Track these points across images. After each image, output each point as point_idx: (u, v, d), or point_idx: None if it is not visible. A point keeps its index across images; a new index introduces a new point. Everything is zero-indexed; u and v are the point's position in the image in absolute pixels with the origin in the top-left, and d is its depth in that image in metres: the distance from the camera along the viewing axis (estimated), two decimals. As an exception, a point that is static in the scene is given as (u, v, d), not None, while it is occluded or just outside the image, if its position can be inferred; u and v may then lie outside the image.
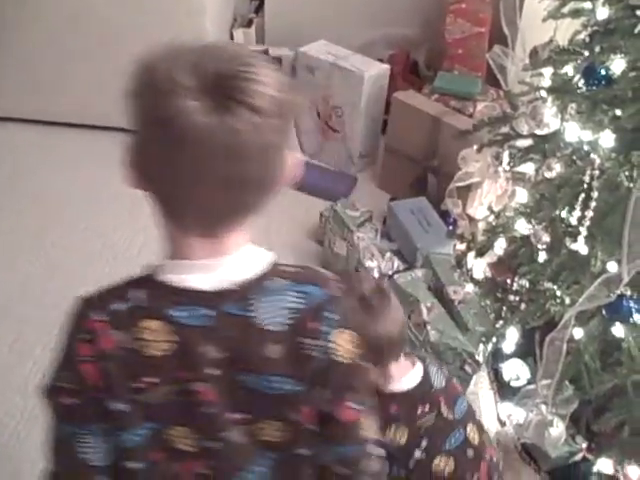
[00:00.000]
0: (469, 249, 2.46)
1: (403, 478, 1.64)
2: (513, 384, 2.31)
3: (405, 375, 1.66)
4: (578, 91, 1.89)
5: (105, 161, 2.27)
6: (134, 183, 0.96)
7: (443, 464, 1.64)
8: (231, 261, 1.00)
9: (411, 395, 1.65)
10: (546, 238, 1.97)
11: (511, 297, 2.19)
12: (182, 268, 0.98)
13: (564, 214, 1.96)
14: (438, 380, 1.70)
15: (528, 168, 2.25)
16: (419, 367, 1.69)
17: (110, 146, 2.30)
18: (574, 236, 1.91)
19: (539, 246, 2.00)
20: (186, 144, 0.89)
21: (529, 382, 2.23)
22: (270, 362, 0.99)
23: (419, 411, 1.63)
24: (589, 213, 1.87)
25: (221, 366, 0.99)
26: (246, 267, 1.00)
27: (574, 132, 1.90)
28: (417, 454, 1.62)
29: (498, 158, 2.26)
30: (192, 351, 0.97)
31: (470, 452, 1.70)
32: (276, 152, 0.96)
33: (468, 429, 1.71)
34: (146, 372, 0.98)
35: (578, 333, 1.93)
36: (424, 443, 1.62)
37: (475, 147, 2.43)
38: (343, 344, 1.03)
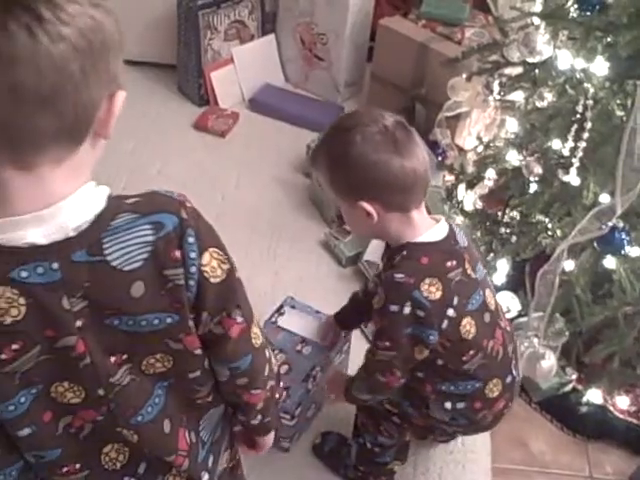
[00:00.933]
0: (458, 180, 2.43)
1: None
2: (504, 316, 2.31)
3: (431, 228, 1.54)
4: (571, 17, 1.83)
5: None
6: None
7: (469, 326, 1.55)
8: (66, 206, 0.91)
9: (439, 247, 1.53)
10: (538, 170, 1.94)
11: (502, 229, 2.17)
12: (12, 226, 0.89)
13: (556, 145, 1.93)
14: (462, 239, 1.59)
15: (518, 97, 2.20)
16: (444, 222, 1.57)
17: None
18: (566, 167, 1.88)
19: (531, 178, 1.97)
20: None
21: (519, 314, 2.22)
22: (139, 301, 0.94)
23: (448, 264, 1.52)
24: (582, 144, 1.83)
25: (85, 316, 0.94)
26: (85, 209, 0.92)
27: (567, 60, 1.85)
28: (450, 312, 1.51)
29: (488, 87, 2.20)
30: (48, 309, 0.91)
31: (487, 316, 1.60)
32: (77, 77, 0.85)
33: (486, 293, 1.61)
34: (7, 341, 0.92)
35: (569, 265, 1.92)
36: (456, 300, 1.52)
37: (464, 75, 2.37)
38: (211, 264, 0.99)
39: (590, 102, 1.79)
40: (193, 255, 0.96)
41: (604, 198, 1.82)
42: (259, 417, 1.21)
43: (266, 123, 3.23)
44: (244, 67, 3.32)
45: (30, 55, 0.81)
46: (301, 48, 3.35)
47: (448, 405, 1.64)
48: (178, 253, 0.95)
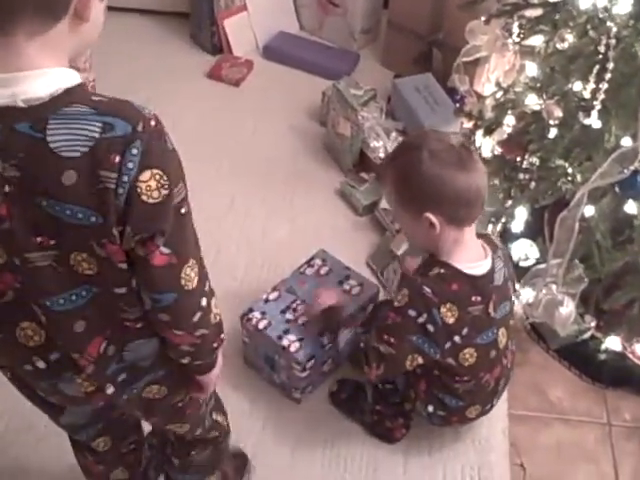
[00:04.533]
0: (477, 127, 2.38)
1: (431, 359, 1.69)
2: (522, 264, 2.28)
3: (476, 261, 1.68)
4: (594, -47, 1.77)
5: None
6: None
7: (469, 355, 1.69)
8: (28, 78, 0.94)
9: (473, 282, 1.66)
10: (558, 113, 1.89)
11: (521, 175, 2.13)
12: None
13: (577, 87, 1.87)
14: (498, 277, 1.72)
15: (537, 40, 2.14)
16: (489, 260, 1.70)
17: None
18: (587, 110, 1.83)
19: (551, 122, 1.92)
20: None
21: (538, 262, 2.19)
22: (67, 190, 0.95)
23: (473, 298, 1.66)
24: (604, 85, 1.78)
25: (14, 185, 0.96)
26: (45, 87, 0.94)
27: (589, -1, 1.80)
28: (456, 339, 1.66)
29: (507, 30, 2.14)
30: None
31: (493, 353, 1.74)
32: None
33: (500, 332, 1.75)
34: None
35: (589, 211, 1.89)
36: (465, 331, 1.66)
37: (483, 18, 2.31)
38: (148, 182, 0.98)
39: (613, 42, 1.73)
40: (131, 166, 0.96)
41: (626, 141, 1.78)
42: (187, 358, 1.22)
43: (281, 71, 3.18)
44: (258, 14, 3.27)
45: None
46: (316, -6, 3.29)
47: (430, 409, 1.81)
48: (117, 159, 0.95)
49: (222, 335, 1.23)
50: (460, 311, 1.64)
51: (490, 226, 2.26)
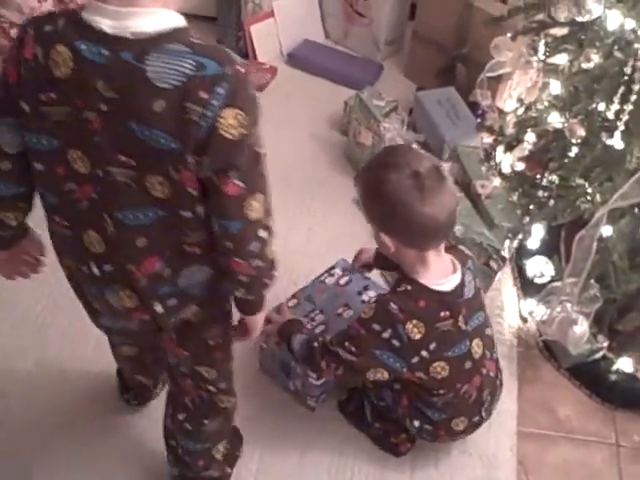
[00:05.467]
0: (497, 142, 2.39)
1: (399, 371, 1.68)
2: (536, 281, 2.29)
3: (444, 277, 1.66)
4: (623, -25, 1.78)
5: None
6: None
7: (440, 369, 1.67)
8: (141, 15, 1.08)
9: (441, 298, 1.65)
10: (581, 132, 1.89)
11: (540, 193, 2.14)
12: (96, 10, 1.09)
13: (601, 107, 1.88)
14: (468, 290, 1.70)
15: (561, 59, 2.15)
16: (459, 274, 1.68)
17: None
18: (610, 131, 1.84)
19: (573, 140, 1.93)
20: None
21: (552, 279, 2.20)
22: (156, 116, 1.08)
23: (441, 314, 1.65)
24: (628, 107, 1.79)
25: (110, 104, 1.10)
26: (153, 25, 1.08)
27: (616, 20, 1.80)
28: (423, 353, 1.64)
29: (533, 47, 2.15)
30: (85, 81, 1.09)
31: (468, 364, 1.72)
32: None
33: (474, 343, 1.73)
34: (49, 88, 1.12)
35: (607, 231, 1.89)
36: (432, 346, 1.64)
37: (509, 35, 2.32)
38: (230, 120, 1.10)
39: (639, 64, 1.74)
40: (215, 103, 1.08)
41: (647, 163, 1.78)
42: (242, 290, 1.34)
43: (304, 78, 3.20)
44: (284, 21, 3.29)
45: None
46: (342, 3, 3.31)
47: (416, 423, 1.81)
48: (204, 95, 1.07)
49: (275, 272, 1.34)
50: (427, 327, 1.62)
51: (507, 242, 2.26)
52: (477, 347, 1.74)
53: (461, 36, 2.92)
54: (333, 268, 2.13)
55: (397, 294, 1.66)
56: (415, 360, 1.65)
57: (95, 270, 1.29)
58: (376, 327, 1.63)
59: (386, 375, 1.67)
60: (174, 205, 1.18)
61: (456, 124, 2.69)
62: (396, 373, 1.67)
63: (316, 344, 1.74)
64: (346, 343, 1.67)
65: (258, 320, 1.46)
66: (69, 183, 1.20)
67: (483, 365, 1.77)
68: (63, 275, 1.40)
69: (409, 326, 1.61)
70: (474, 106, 2.72)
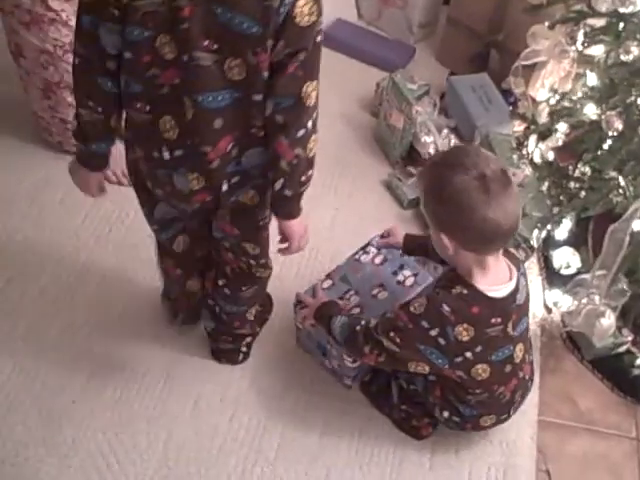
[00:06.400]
0: (530, 131, 2.37)
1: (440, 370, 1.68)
2: (562, 272, 2.28)
3: (501, 283, 1.64)
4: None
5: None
6: None
7: (481, 371, 1.68)
8: None
9: (495, 304, 1.63)
10: (618, 125, 1.87)
11: (571, 184, 2.12)
12: None
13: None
14: (521, 296, 1.68)
15: (597, 50, 2.13)
16: (514, 281, 1.66)
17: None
18: (648, 125, 1.82)
19: (609, 132, 1.91)
20: None
21: (579, 271, 2.19)
22: (240, 2, 1.24)
23: (493, 320, 1.63)
24: (667, 101, 1.77)
25: None
26: None
27: (659, 12, 1.79)
28: (468, 354, 1.64)
29: (572, 37, 2.13)
30: None
31: (508, 368, 1.73)
32: None
33: (517, 347, 1.72)
34: None
35: (639, 226, 1.87)
36: (479, 349, 1.64)
37: (547, 23, 2.30)
38: (303, 8, 1.27)
39: (681, 58, 1.73)
40: None
41: (684, 158, 1.77)
42: (281, 181, 1.46)
43: (336, 59, 3.18)
44: (318, 0, 3.26)
45: None
46: (377, -15, 3.29)
47: (445, 414, 1.83)
48: None
49: (311, 172, 1.48)
50: (477, 332, 1.61)
51: (535, 231, 2.26)
52: (519, 351, 1.74)
53: (496, 23, 2.89)
54: (368, 245, 2.11)
55: (451, 296, 1.61)
56: (459, 360, 1.65)
57: (166, 154, 1.43)
58: (425, 324, 1.62)
59: (427, 369, 1.68)
60: (248, 87, 1.34)
61: (489, 111, 2.68)
62: (437, 368, 1.67)
63: (358, 328, 1.74)
64: (391, 333, 1.66)
65: (296, 230, 1.58)
66: (153, 69, 1.32)
67: (522, 369, 1.78)
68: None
69: (459, 329, 1.60)
70: (505, 93, 2.70)
